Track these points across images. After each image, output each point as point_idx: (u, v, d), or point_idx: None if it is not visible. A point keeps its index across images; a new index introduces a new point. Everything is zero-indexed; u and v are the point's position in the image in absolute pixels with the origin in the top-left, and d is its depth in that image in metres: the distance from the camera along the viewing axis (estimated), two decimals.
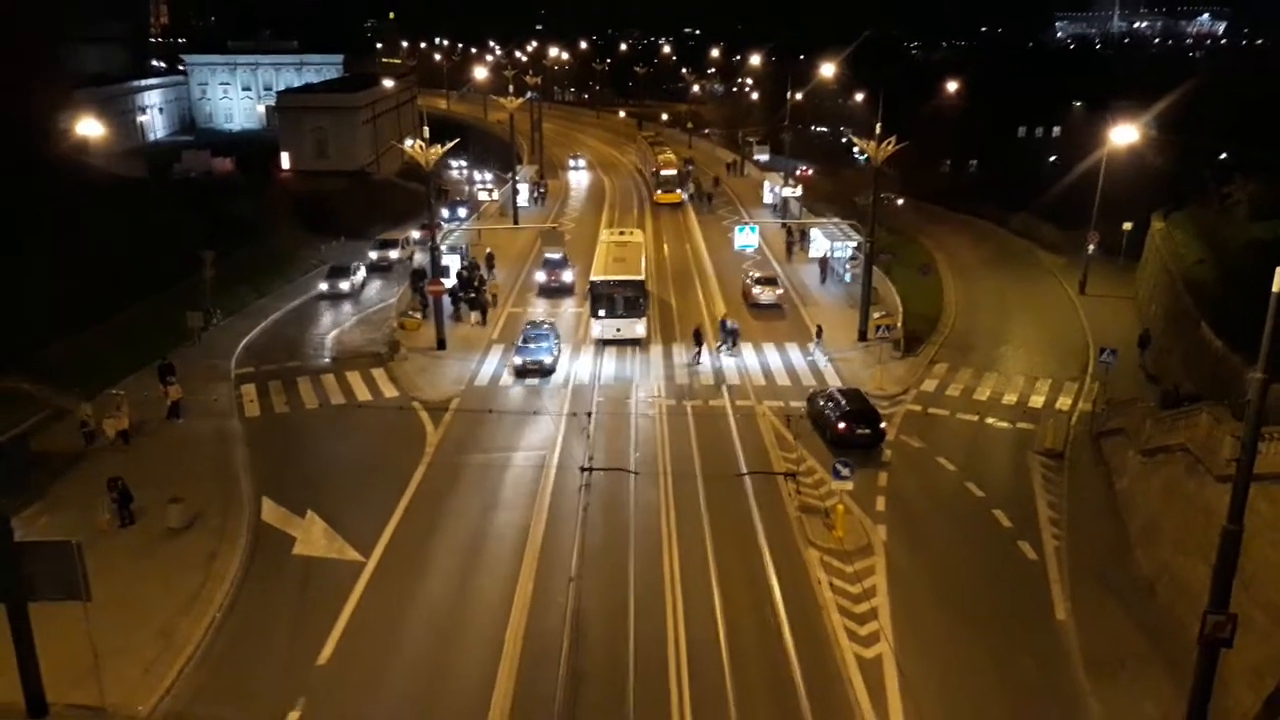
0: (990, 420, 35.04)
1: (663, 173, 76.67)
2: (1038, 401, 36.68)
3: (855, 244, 51.99)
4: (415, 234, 61.51)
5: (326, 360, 41.12)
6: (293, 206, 68.89)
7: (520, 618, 22.97)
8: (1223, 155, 63.08)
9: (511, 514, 27.99)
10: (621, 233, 51.25)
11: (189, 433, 33.35)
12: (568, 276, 51.16)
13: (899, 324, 42.81)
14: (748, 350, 41.49)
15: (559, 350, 39.81)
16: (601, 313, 41.16)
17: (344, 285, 51.31)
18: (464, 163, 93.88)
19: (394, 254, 57.79)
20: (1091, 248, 51.04)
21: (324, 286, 51.05)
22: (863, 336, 42.79)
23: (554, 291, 50.49)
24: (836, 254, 54.42)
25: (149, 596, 23.43)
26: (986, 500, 29.02)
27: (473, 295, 47.59)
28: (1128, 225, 53.44)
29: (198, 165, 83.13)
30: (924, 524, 27.71)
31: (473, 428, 33.83)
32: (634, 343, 41.37)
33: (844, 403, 32.28)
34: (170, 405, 34.38)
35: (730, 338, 41.54)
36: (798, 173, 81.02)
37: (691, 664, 21.25)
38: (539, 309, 47.72)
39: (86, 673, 19.49)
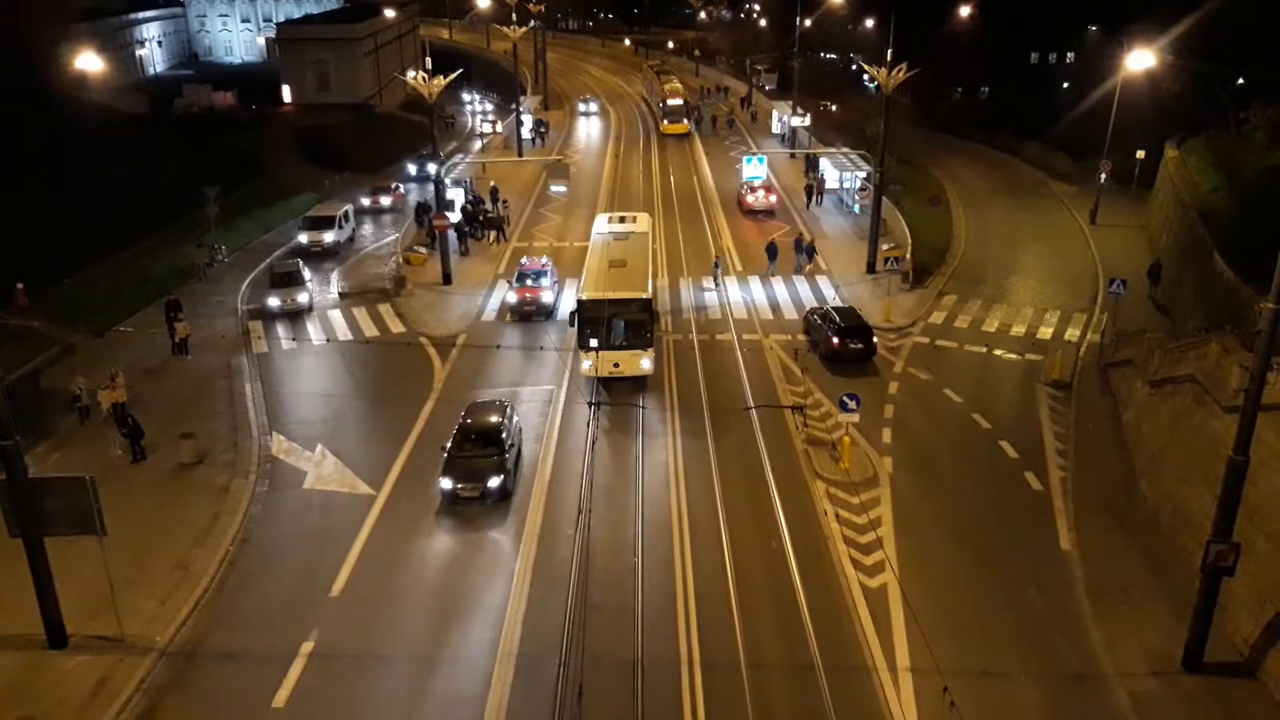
0: (998, 352, 34.95)
1: (669, 102, 75.44)
2: (1046, 333, 36.55)
3: (864, 174, 51.39)
4: (365, 200, 54.13)
5: (333, 296, 41.06)
6: (295, 140, 68.34)
7: (530, 550, 23.25)
8: (1240, 80, 61.68)
9: (520, 449, 28.18)
10: (622, 219, 38.40)
11: (197, 369, 33.49)
12: (547, 295, 37.92)
13: (907, 256, 42.51)
14: (754, 283, 41.29)
15: (516, 462, 26.43)
16: (593, 342, 30.24)
17: (301, 298, 38.95)
18: (489, 107, 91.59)
19: (329, 236, 46.51)
20: (1104, 177, 50.39)
21: (274, 302, 38.49)
22: (871, 269, 42.57)
23: (529, 316, 37.58)
24: (845, 184, 53.87)
25: (163, 530, 23.78)
26: (993, 431, 29.08)
27: (490, 215, 48.73)
28: (1141, 153, 52.66)
29: (199, 100, 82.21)
30: (930, 455, 27.82)
31: (480, 363, 33.89)
32: (639, 379, 31.52)
33: (838, 319, 33.37)
34: (178, 342, 34.50)
35: (807, 253, 42.97)
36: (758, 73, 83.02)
37: (699, 594, 21.51)
38: (510, 347, 34.70)
39: (104, 605, 19.87)
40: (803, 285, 41.27)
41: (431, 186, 45.37)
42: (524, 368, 33.62)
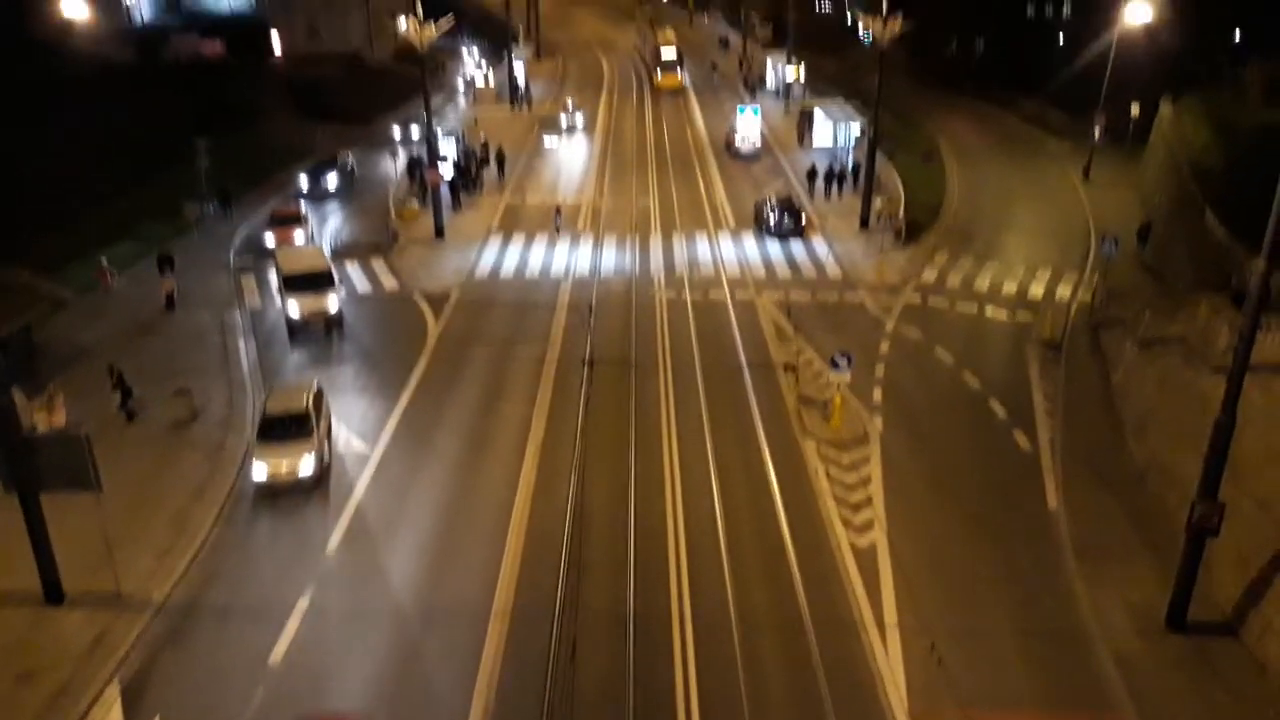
0: (989, 311, 35.04)
1: (663, 52, 74.43)
2: (1037, 291, 36.62)
3: (859, 123, 51.05)
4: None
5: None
6: (286, 91, 67.43)
7: (523, 508, 23.42)
8: (1237, 36, 61.08)
9: (514, 405, 28.25)
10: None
11: (191, 325, 33.40)
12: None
13: (900, 213, 42.42)
14: (747, 239, 41.30)
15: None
16: None
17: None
18: (480, 60, 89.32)
19: (333, 305, 31.99)
20: (1098, 132, 50.11)
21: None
22: (864, 224, 42.50)
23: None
24: (840, 141, 53.48)
25: (159, 486, 23.89)
26: (983, 391, 29.26)
27: (490, 157, 50.81)
28: (1136, 109, 52.32)
29: (186, 48, 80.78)
30: (920, 415, 27.99)
31: (474, 320, 33.91)
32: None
33: (778, 205, 41.97)
34: (166, 297, 34.39)
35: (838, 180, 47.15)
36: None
37: (690, 552, 21.73)
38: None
39: (101, 561, 19.99)
40: (796, 244, 41.18)
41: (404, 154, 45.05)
42: (519, 324, 33.58)
